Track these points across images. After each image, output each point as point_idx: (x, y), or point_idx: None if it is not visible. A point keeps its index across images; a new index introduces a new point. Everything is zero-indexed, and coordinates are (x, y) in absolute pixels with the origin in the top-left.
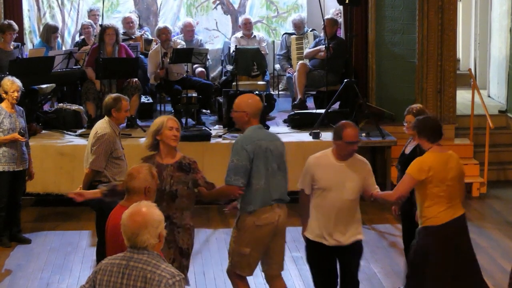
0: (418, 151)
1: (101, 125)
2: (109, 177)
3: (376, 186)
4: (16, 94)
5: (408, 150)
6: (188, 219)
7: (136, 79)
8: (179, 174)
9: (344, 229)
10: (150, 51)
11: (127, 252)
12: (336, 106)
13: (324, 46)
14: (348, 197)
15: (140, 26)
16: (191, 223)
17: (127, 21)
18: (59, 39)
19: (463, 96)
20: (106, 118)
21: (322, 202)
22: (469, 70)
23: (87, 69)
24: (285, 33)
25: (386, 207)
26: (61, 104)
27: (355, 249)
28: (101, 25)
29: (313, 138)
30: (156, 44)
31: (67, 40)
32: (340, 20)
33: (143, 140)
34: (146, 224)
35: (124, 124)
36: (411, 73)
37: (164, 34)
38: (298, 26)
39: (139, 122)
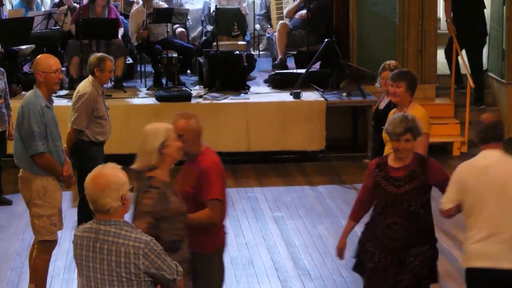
0: (392, 106)
1: (84, 84)
2: (90, 136)
3: None
4: None
5: (382, 106)
6: None
7: (120, 39)
8: None
9: None
10: (132, 11)
11: (93, 222)
12: (316, 66)
13: (305, 11)
14: None
15: None
16: None
17: None
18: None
19: (443, 56)
20: (89, 77)
21: None
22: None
23: (71, 26)
24: None
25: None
26: None
27: None
28: None
29: (293, 98)
30: (138, 5)
31: (46, 0)
32: None
33: (128, 100)
34: (106, 186)
35: (111, 85)
36: (392, 33)
37: None
38: None
39: None
